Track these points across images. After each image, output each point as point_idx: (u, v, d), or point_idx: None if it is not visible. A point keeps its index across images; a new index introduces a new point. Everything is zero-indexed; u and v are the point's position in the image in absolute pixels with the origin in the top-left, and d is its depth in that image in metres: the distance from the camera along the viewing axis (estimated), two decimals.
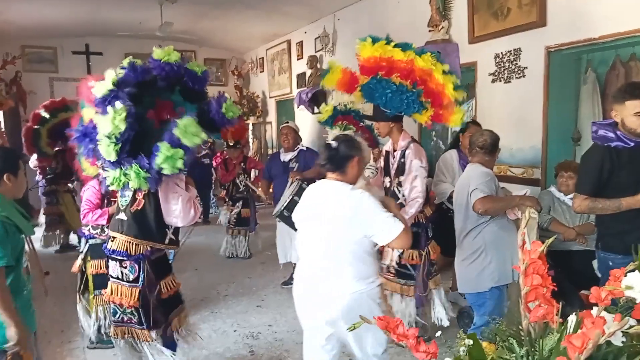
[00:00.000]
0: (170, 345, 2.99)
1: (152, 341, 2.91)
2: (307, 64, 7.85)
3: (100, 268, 3.59)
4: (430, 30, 5.26)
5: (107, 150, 2.57)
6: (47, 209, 6.57)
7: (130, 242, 2.85)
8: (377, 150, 3.82)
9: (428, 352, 1.35)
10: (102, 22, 8.39)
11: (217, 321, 4.24)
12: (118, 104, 2.53)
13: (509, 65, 4.56)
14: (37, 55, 9.35)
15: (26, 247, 2.17)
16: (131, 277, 2.87)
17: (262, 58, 9.96)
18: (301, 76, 8.37)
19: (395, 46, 3.47)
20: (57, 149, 6.31)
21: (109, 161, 2.67)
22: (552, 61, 4.19)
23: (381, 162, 3.81)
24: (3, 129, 7.57)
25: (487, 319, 3.03)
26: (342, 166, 2.46)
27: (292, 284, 5.48)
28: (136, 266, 2.86)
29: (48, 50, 9.45)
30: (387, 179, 3.69)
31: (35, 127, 6.23)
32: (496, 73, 4.70)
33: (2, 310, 2.01)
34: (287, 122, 5.43)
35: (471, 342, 1.53)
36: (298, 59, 8.53)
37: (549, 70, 4.20)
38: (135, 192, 2.86)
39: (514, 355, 1.38)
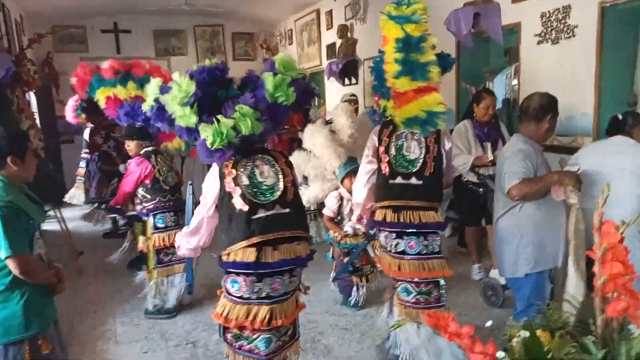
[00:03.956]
0: None
1: None
2: (337, 33, 7.55)
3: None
4: None
5: (185, 117, 2.17)
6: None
7: None
8: None
9: (486, 353, 1.16)
10: None
11: None
12: (176, 75, 2.19)
13: (556, 25, 4.18)
14: (68, 35, 9.30)
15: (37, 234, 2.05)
16: None
17: (291, 30, 9.68)
18: (331, 47, 8.08)
19: None
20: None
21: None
22: (607, 18, 3.80)
23: None
24: (34, 110, 7.57)
25: (525, 304, 2.80)
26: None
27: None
28: None
29: (78, 30, 9.40)
30: None
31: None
32: (542, 34, 4.32)
33: (44, 281, 2.06)
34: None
35: (527, 333, 1.34)
36: (328, 29, 8.22)
37: (602, 28, 3.82)
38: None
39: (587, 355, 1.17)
